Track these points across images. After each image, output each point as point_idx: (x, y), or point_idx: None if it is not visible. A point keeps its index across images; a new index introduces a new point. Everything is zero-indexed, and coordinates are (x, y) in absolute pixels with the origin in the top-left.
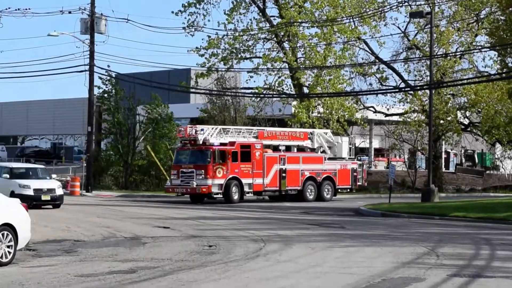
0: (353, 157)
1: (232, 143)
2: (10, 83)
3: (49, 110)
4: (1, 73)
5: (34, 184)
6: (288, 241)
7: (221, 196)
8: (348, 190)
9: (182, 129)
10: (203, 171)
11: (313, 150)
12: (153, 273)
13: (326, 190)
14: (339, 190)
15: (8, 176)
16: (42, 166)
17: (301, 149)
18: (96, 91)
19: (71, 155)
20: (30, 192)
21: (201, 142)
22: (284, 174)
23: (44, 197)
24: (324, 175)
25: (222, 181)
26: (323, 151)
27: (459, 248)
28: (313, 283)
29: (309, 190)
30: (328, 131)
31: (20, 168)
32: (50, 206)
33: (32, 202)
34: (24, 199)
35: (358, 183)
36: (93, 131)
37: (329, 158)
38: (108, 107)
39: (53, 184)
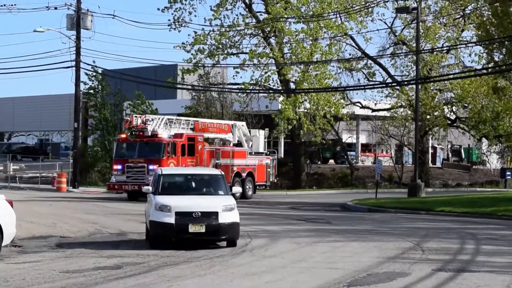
0: (267, 151)
1: (179, 135)
2: None
3: (36, 106)
4: None
5: (179, 203)
6: (274, 236)
7: None
8: (264, 187)
9: (129, 118)
10: (156, 166)
11: (235, 144)
12: (139, 269)
13: (247, 187)
14: (257, 187)
15: (151, 189)
16: (217, 172)
17: (223, 142)
18: (82, 87)
19: (58, 151)
20: (169, 219)
21: (149, 134)
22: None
23: (193, 228)
24: (247, 171)
25: None
26: (239, 144)
27: (444, 242)
28: (298, 278)
29: (237, 186)
30: (244, 123)
31: (175, 176)
32: (223, 244)
33: (174, 235)
34: (164, 229)
35: (270, 180)
36: (79, 127)
37: (249, 153)
38: (95, 103)
39: (215, 203)
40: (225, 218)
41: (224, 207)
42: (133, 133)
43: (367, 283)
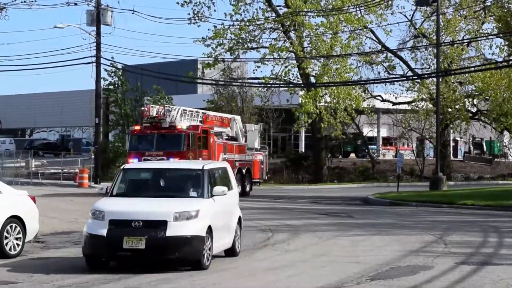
0: (259, 147)
1: (195, 127)
2: (17, 75)
3: (57, 102)
4: (8, 66)
5: (117, 208)
6: (296, 231)
7: None
8: (258, 183)
9: (146, 109)
10: (178, 159)
11: (232, 138)
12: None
13: (246, 183)
14: (253, 184)
15: (104, 190)
16: (196, 166)
17: (225, 136)
18: (103, 83)
19: (79, 147)
20: (101, 230)
21: (168, 125)
22: None
23: (129, 243)
24: (246, 167)
25: None
26: (234, 139)
27: (467, 236)
28: (320, 272)
29: (239, 183)
30: (239, 117)
31: (140, 171)
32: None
33: (105, 252)
34: (93, 244)
35: (263, 176)
36: (100, 122)
37: (247, 148)
38: (115, 98)
39: (167, 209)
40: (177, 229)
41: (178, 215)
42: (153, 124)
43: (389, 277)
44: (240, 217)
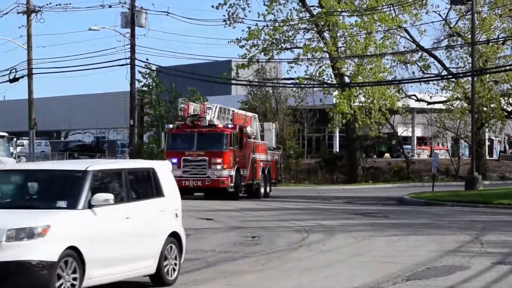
0: (275, 146)
1: (234, 126)
2: (52, 78)
3: (92, 104)
4: (43, 69)
5: None
6: (331, 231)
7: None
8: (274, 184)
9: (185, 106)
10: (221, 159)
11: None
12: (197, 265)
13: (267, 184)
14: (271, 184)
15: None
16: (77, 167)
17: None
18: (137, 84)
19: (114, 148)
20: None
21: (207, 123)
22: (255, 165)
23: None
24: (267, 167)
25: (232, 173)
26: (254, 137)
27: (503, 235)
28: (356, 272)
29: (262, 184)
30: (257, 115)
31: (11, 174)
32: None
33: None
34: None
35: (279, 177)
36: (135, 124)
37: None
38: (150, 100)
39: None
40: (11, 252)
41: (13, 233)
42: (193, 122)
43: (425, 277)
44: (177, 233)
